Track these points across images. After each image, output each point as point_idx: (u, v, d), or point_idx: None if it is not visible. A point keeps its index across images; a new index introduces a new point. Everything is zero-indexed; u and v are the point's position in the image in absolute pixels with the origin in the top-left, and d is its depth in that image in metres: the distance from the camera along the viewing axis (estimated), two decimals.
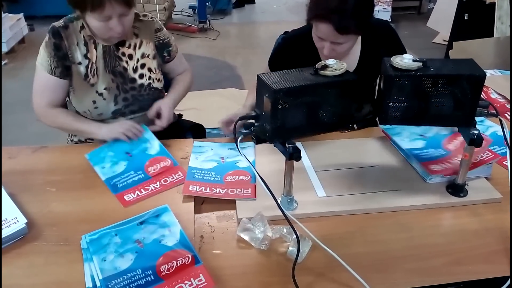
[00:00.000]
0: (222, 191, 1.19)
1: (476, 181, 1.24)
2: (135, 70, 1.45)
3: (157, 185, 1.22)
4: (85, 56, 1.39)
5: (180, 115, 1.78)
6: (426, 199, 1.18)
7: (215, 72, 4.03)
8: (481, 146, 1.11)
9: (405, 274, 0.97)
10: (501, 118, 1.09)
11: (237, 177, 1.26)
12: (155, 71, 1.49)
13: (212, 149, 1.41)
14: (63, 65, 1.37)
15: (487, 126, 1.50)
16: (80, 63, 1.39)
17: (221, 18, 5.67)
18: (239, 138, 1.04)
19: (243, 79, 3.86)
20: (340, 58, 1.28)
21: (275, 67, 1.57)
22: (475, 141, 1.09)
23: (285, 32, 1.77)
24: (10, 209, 1.10)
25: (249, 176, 1.26)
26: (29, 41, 4.53)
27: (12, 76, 3.81)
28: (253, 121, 1.05)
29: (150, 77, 1.47)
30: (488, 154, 1.28)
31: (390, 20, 5.03)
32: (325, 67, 1.02)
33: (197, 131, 1.75)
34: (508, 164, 1.10)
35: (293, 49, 1.52)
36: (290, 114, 0.99)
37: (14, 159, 1.36)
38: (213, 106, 2.98)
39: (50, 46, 1.35)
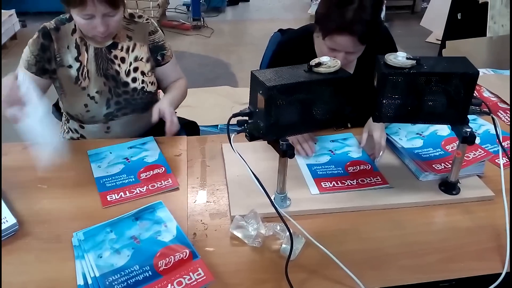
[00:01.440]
0: (143, 189, 1.20)
1: (468, 179, 1.24)
2: (127, 74, 1.41)
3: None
4: (76, 59, 1.36)
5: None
6: (419, 197, 1.18)
7: (209, 70, 4.02)
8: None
9: (398, 271, 0.97)
10: (493, 116, 1.10)
11: (151, 171, 1.27)
12: (148, 74, 1.45)
13: (111, 152, 1.36)
14: (41, 66, 1.35)
15: (479, 125, 1.51)
16: (70, 66, 1.36)
17: (215, 16, 5.66)
18: (233, 136, 1.03)
19: (237, 77, 3.85)
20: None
21: None
22: (468, 139, 1.09)
23: (280, 30, 1.76)
24: None
25: (163, 168, 1.28)
26: (21, 37, 4.49)
27: (5, 72, 3.76)
28: (246, 118, 1.04)
29: (143, 81, 1.44)
30: (480, 152, 1.29)
31: (384, 19, 5.05)
32: (319, 64, 1.01)
33: (190, 129, 1.75)
34: (501, 162, 1.10)
35: (290, 55, 1.47)
36: (284, 111, 0.99)
37: (5, 156, 1.34)
38: (207, 104, 2.97)
39: (37, 45, 1.33)
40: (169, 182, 1.23)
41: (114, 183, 1.23)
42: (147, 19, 1.45)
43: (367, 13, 1.20)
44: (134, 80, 1.42)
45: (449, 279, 0.96)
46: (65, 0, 1.24)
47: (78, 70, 1.36)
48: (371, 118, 1.34)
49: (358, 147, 1.37)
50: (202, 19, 5.13)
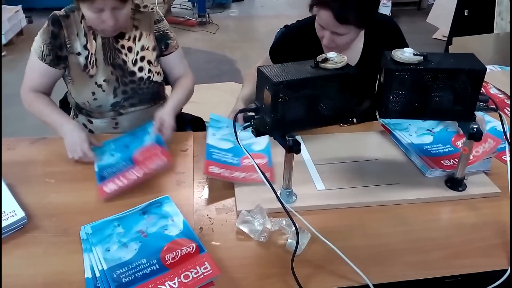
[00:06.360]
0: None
1: (475, 175, 1.24)
2: (134, 63, 1.44)
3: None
4: (85, 47, 1.39)
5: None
6: (424, 193, 1.18)
7: (214, 66, 4.02)
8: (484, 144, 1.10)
9: (403, 267, 0.98)
10: (500, 112, 1.10)
11: (148, 153, 1.26)
12: (154, 63, 1.48)
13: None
14: (55, 54, 1.37)
15: (486, 121, 1.50)
16: (79, 54, 1.38)
17: (221, 12, 5.65)
18: (239, 131, 1.04)
19: (242, 73, 3.85)
20: (341, 51, 1.27)
21: (277, 58, 1.57)
22: (474, 135, 1.09)
23: (285, 26, 1.76)
24: (8, 202, 1.09)
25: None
26: (27, 33, 4.51)
27: (11, 68, 3.80)
28: (253, 113, 1.05)
29: (149, 70, 1.46)
30: (490, 142, 1.27)
31: (389, 15, 5.02)
32: (326, 60, 1.02)
33: (196, 124, 1.76)
34: (508, 159, 1.10)
35: (295, 40, 1.51)
36: (290, 107, 0.99)
37: (13, 150, 1.36)
38: (212, 100, 2.98)
39: (47, 33, 1.35)
40: (162, 159, 1.22)
41: (111, 172, 1.23)
42: (152, 8, 1.48)
43: None
44: (141, 69, 1.45)
45: (454, 275, 0.96)
46: None
47: (86, 58, 1.39)
48: None
49: None
50: (207, 15, 5.13)
